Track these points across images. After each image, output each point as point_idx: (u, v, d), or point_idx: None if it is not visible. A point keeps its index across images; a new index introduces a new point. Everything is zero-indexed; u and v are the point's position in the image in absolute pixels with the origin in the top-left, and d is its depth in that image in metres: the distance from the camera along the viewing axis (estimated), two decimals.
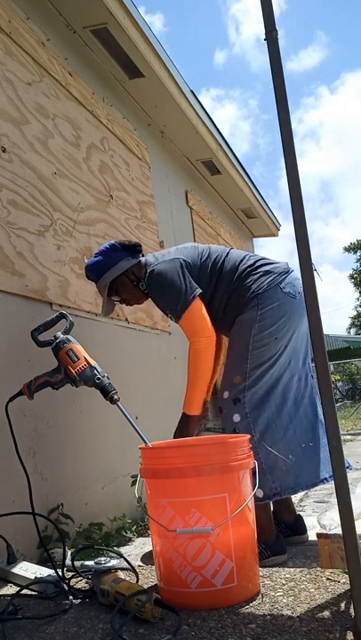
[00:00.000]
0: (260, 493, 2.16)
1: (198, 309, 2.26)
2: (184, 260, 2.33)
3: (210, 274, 2.35)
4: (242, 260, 2.37)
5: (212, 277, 2.35)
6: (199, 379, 2.26)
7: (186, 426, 2.29)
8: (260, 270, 2.33)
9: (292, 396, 2.29)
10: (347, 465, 2.32)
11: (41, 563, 2.16)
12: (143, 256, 2.49)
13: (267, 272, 2.32)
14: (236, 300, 2.32)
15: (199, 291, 2.28)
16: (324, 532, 1.82)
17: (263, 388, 2.23)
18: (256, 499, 2.13)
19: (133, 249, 2.47)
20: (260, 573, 1.77)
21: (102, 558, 1.93)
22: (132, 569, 1.91)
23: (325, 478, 2.26)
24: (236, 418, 2.21)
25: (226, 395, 2.26)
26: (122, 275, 2.43)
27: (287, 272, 2.34)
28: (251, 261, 2.37)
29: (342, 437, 4.37)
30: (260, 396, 2.23)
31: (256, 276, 2.31)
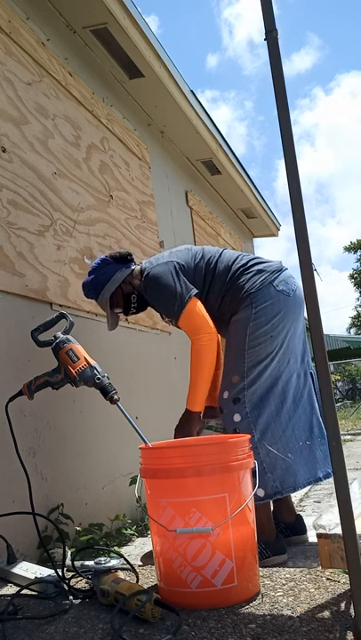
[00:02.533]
0: (262, 493, 2.16)
1: (196, 308, 2.27)
2: (178, 263, 2.34)
3: (204, 275, 2.36)
4: (235, 260, 2.39)
5: (206, 278, 2.36)
6: (202, 376, 2.26)
7: (188, 422, 2.28)
8: (252, 269, 2.34)
9: (292, 394, 2.30)
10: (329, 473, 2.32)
11: (41, 563, 2.16)
12: (136, 264, 2.51)
13: (260, 271, 2.33)
14: (231, 299, 2.33)
15: (195, 291, 2.29)
16: (324, 532, 1.82)
17: (262, 386, 2.24)
18: (257, 498, 2.14)
19: (125, 259, 2.49)
20: (260, 573, 1.77)
21: (102, 558, 1.93)
22: (132, 569, 1.91)
23: (320, 477, 2.28)
24: (237, 418, 2.22)
25: (225, 395, 2.26)
26: (119, 287, 2.44)
27: (280, 270, 2.35)
28: (244, 261, 2.38)
29: (342, 437, 4.37)
30: (260, 394, 2.23)
31: (249, 275, 2.32)
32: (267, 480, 2.17)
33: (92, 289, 2.49)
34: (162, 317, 2.53)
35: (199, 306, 2.28)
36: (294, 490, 2.24)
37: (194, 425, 2.28)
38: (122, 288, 2.46)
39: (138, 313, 2.56)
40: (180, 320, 2.29)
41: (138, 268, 2.48)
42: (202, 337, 2.24)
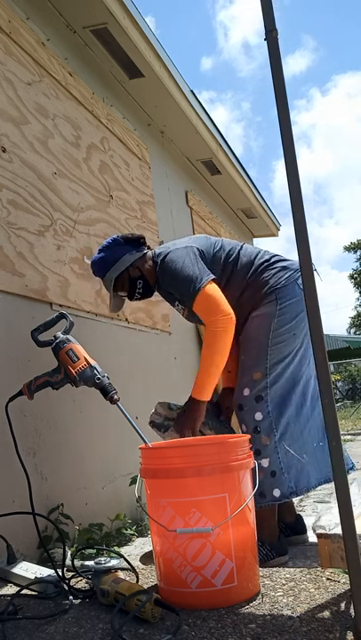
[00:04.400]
0: (278, 493, 2.15)
1: (213, 290, 2.16)
2: (197, 249, 2.28)
3: (223, 265, 2.31)
4: (257, 255, 2.34)
5: (225, 270, 2.31)
6: (215, 362, 2.14)
7: (194, 411, 2.17)
8: (277, 266, 2.30)
9: (310, 394, 2.28)
10: (350, 466, 2.35)
11: (41, 563, 2.16)
12: (148, 249, 2.45)
13: (284, 267, 2.30)
14: (252, 294, 2.28)
15: (213, 276, 2.20)
16: (324, 532, 1.82)
17: (284, 385, 2.22)
18: (273, 498, 2.14)
19: (137, 242, 2.43)
20: (260, 573, 1.77)
21: (102, 558, 1.93)
22: (132, 569, 1.91)
23: (330, 478, 2.26)
24: (259, 416, 2.18)
25: (246, 392, 2.21)
26: (126, 270, 2.37)
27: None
28: (266, 257, 2.34)
29: (342, 437, 4.37)
30: (282, 394, 2.21)
31: (274, 271, 2.28)
32: (283, 480, 2.16)
33: (99, 267, 2.41)
34: (175, 306, 2.42)
35: (216, 289, 2.18)
36: (307, 490, 2.23)
37: (199, 415, 2.18)
38: (129, 272, 2.37)
39: (142, 299, 2.46)
40: (195, 302, 2.17)
41: (150, 252, 2.42)
42: (218, 319, 2.12)
